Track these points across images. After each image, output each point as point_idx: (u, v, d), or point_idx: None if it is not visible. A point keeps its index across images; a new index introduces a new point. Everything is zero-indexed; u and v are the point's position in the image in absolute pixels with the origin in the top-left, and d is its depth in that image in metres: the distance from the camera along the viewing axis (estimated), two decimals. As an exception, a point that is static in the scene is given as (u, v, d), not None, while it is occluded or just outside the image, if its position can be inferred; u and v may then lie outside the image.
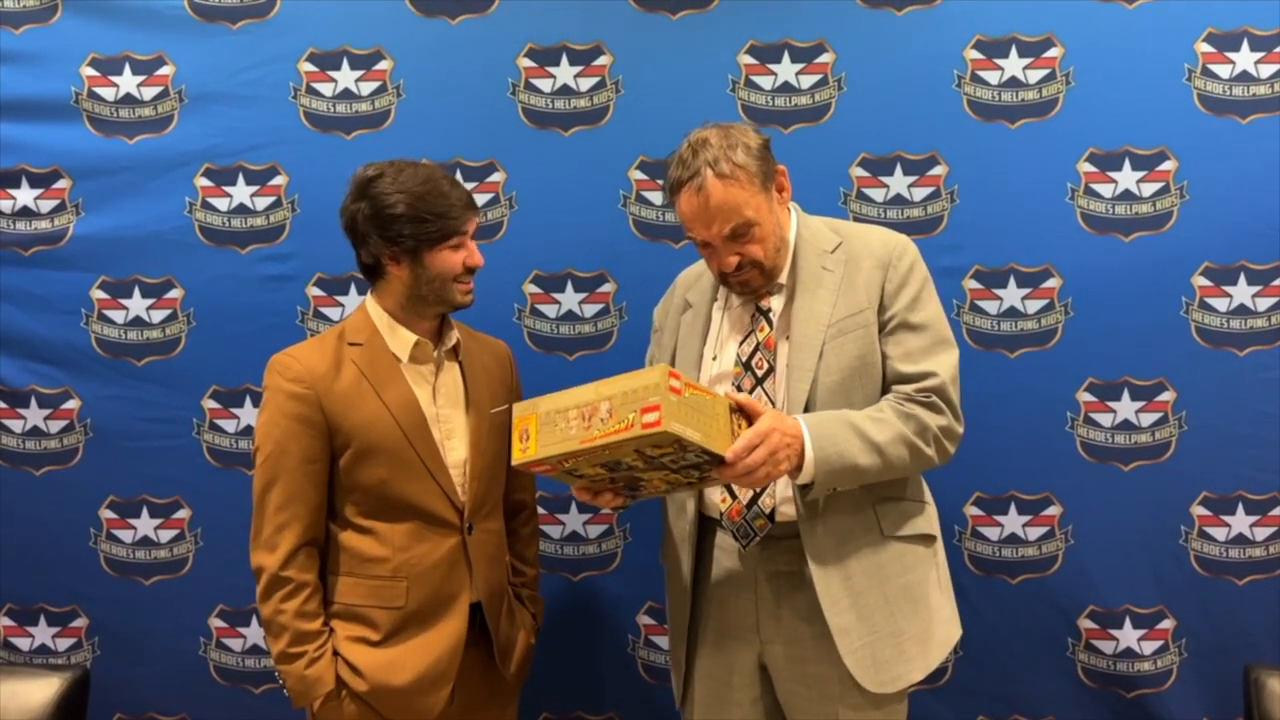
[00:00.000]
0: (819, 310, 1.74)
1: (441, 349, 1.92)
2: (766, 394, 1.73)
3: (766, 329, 1.77)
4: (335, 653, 1.81)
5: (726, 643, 1.81)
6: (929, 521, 1.82)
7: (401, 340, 1.87)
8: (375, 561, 1.82)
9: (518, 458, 1.54)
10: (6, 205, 2.49)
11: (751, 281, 1.77)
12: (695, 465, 1.53)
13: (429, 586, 1.83)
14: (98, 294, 2.49)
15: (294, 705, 1.80)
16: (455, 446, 1.90)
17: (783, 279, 1.80)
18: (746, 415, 1.57)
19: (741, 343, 1.79)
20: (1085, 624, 2.36)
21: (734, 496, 1.75)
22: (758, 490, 1.73)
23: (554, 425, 1.50)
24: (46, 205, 2.49)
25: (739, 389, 1.74)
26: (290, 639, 1.76)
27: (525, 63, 2.46)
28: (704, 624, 1.85)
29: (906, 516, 1.77)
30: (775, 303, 1.79)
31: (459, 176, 2.43)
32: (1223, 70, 2.33)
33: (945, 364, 1.72)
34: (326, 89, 2.47)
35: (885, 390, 1.75)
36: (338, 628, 1.82)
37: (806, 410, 1.68)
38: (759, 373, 1.75)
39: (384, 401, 1.82)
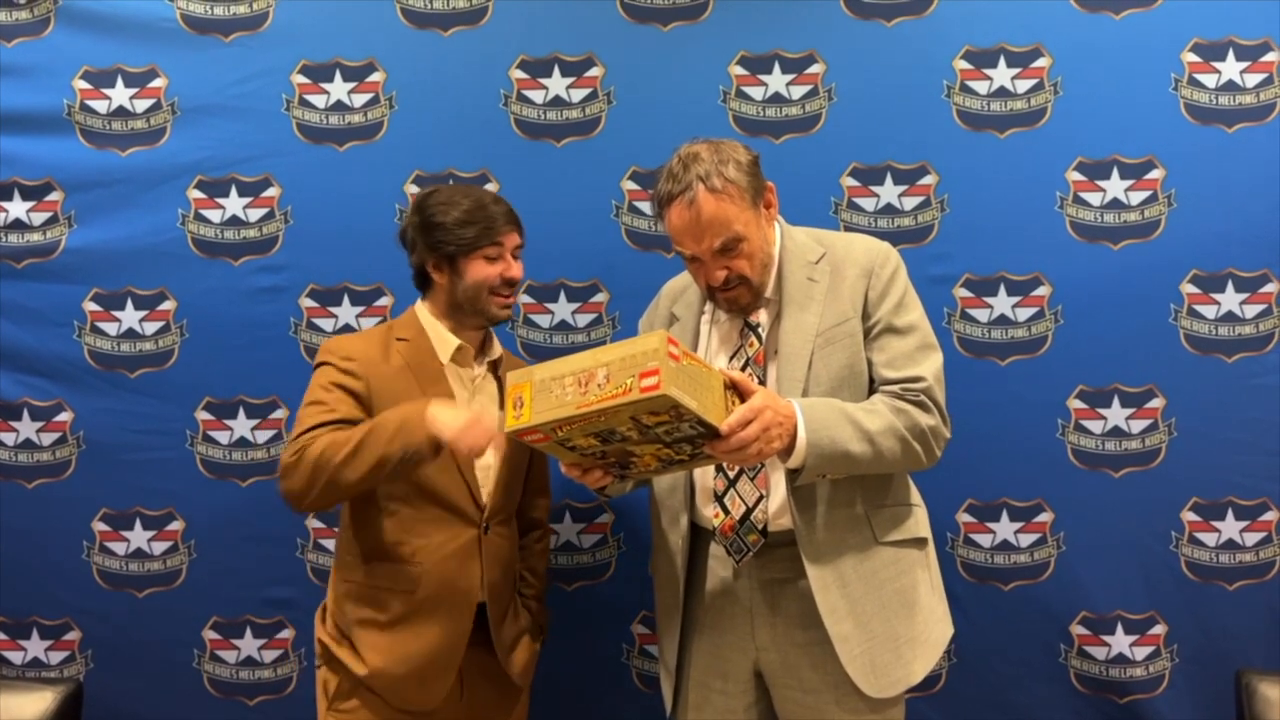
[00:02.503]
0: (806, 322, 1.75)
1: (484, 359, 2.00)
2: None
3: (756, 344, 1.78)
4: (346, 637, 1.87)
5: (721, 650, 1.82)
6: (919, 524, 1.84)
7: (445, 343, 1.96)
8: (395, 545, 1.88)
9: (510, 424, 1.52)
10: (-1, 218, 2.49)
11: (739, 298, 1.78)
12: (689, 439, 1.52)
13: (442, 577, 1.88)
14: (90, 306, 2.49)
15: (413, 438, 1.72)
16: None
17: (769, 293, 1.81)
18: (739, 393, 1.57)
19: (731, 358, 1.80)
20: (1077, 630, 2.37)
21: (726, 511, 1.76)
22: (750, 505, 1.74)
23: (549, 392, 1.48)
24: (39, 218, 2.49)
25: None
26: (336, 439, 1.76)
27: (517, 74, 2.47)
28: (697, 632, 1.85)
29: (898, 521, 1.79)
30: (764, 317, 1.81)
31: (452, 187, 2.45)
32: (1209, 80, 2.35)
33: (930, 367, 1.74)
34: (319, 101, 2.48)
35: (872, 394, 1.76)
36: (350, 608, 1.88)
37: None
38: None
39: (424, 393, 1.87)
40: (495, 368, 2.03)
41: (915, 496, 1.88)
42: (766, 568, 1.77)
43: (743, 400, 1.55)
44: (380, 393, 1.88)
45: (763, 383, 1.75)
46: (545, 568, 2.18)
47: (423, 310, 2.00)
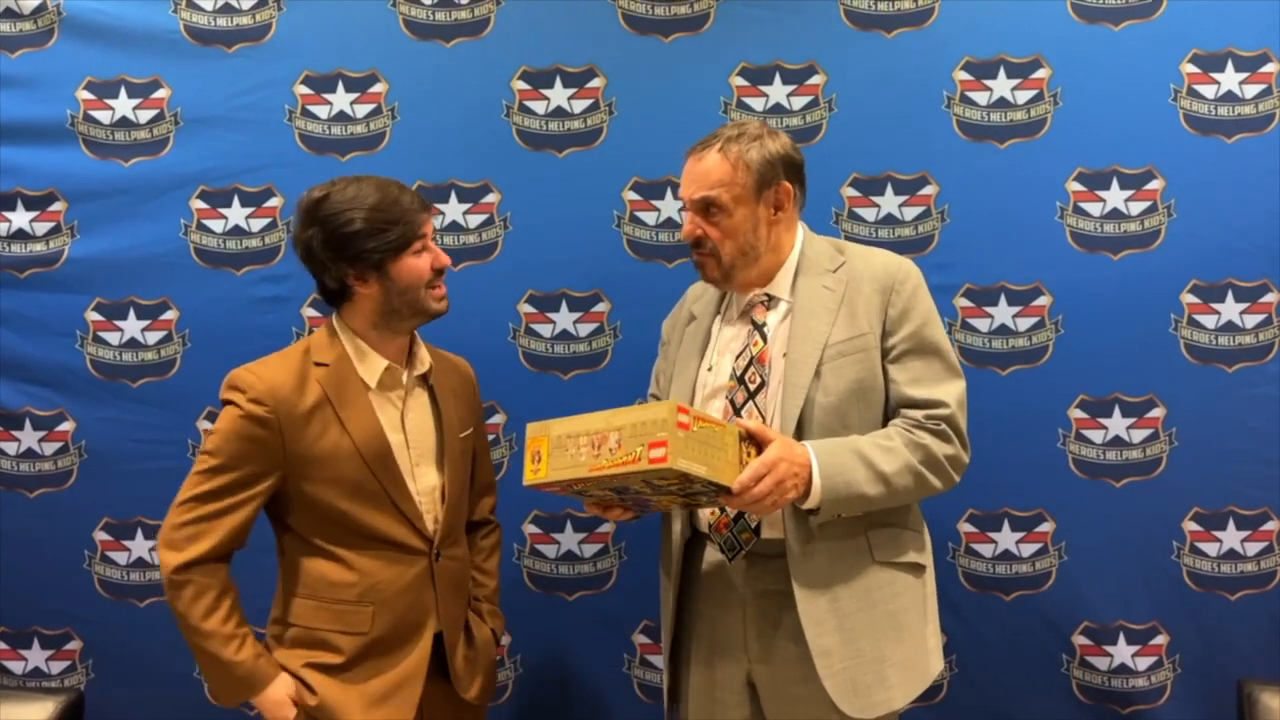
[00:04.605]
0: (817, 329, 1.75)
1: (411, 374, 1.87)
2: (758, 408, 1.74)
3: (760, 344, 1.78)
4: (295, 676, 1.76)
5: (716, 660, 1.82)
6: (920, 551, 1.81)
7: (371, 366, 1.81)
8: (341, 586, 1.76)
9: (529, 479, 1.57)
10: (2, 228, 2.49)
11: (706, 268, 1.82)
12: (703, 493, 1.56)
13: (394, 613, 1.77)
14: (93, 316, 2.49)
15: (222, 701, 1.74)
16: (426, 473, 1.85)
17: (786, 296, 1.81)
18: (756, 442, 1.58)
19: (737, 356, 1.80)
20: (1079, 640, 2.37)
21: (722, 510, 1.76)
22: None
23: (565, 450, 1.53)
24: (42, 228, 2.49)
25: (732, 402, 1.76)
26: (206, 639, 1.69)
27: (519, 85, 2.48)
28: (695, 640, 1.85)
29: (898, 543, 1.77)
30: (771, 318, 1.81)
31: (454, 197, 2.46)
32: (1208, 90, 2.36)
33: (953, 392, 1.73)
34: (322, 111, 2.49)
35: (888, 412, 1.76)
36: (294, 654, 1.76)
37: (800, 427, 1.69)
38: (751, 387, 1.75)
39: (347, 430, 1.76)
40: (425, 379, 1.89)
41: (918, 522, 1.85)
42: (762, 578, 1.76)
43: (759, 449, 1.57)
44: (295, 437, 1.73)
45: (765, 382, 1.75)
46: (496, 565, 2.07)
47: (342, 330, 1.81)
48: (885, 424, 1.76)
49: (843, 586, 1.70)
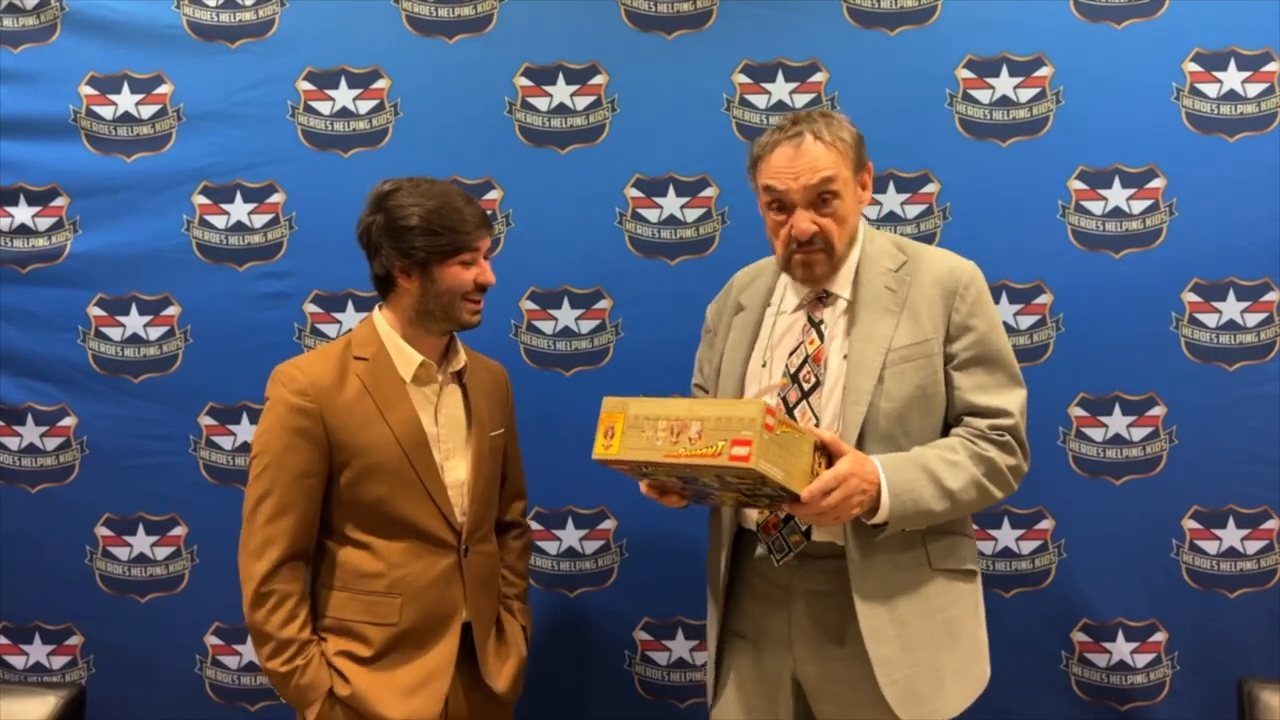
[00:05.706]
0: (879, 332, 1.70)
1: (446, 370, 1.91)
2: (811, 409, 1.70)
3: (817, 341, 1.73)
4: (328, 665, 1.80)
5: (762, 656, 1.78)
6: (972, 555, 1.80)
7: (407, 360, 1.85)
8: (370, 577, 1.80)
9: (599, 453, 1.57)
10: (4, 223, 2.49)
11: (815, 265, 1.73)
12: (769, 496, 1.54)
13: (423, 605, 1.81)
14: (95, 311, 2.50)
15: (297, 710, 1.80)
16: (455, 467, 1.88)
17: (845, 293, 1.76)
18: (828, 453, 1.56)
19: (791, 353, 1.76)
20: (1078, 637, 2.38)
21: (772, 511, 1.72)
22: None
23: (641, 430, 1.51)
24: (44, 223, 2.49)
25: (784, 401, 1.72)
26: (277, 648, 1.75)
27: (522, 81, 2.48)
28: (740, 635, 1.82)
29: (954, 550, 1.75)
30: (829, 315, 1.76)
31: (456, 194, 2.46)
32: (1210, 89, 2.36)
33: (1016, 401, 1.71)
34: (324, 107, 2.49)
35: (948, 417, 1.73)
36: (330, 640, 1.81)
37: (862, 434, 1.65)
38: (805, 386, 1.71)
39: (387, 421, 1.81)
40: (459, 376, 1.94)
41: (971, 528, 1.83)
42: (811, 578, 1.72)
43: (830, 461, 1.55)
44: (338, 427, 1.79)
45: (820, 382, 1.71)
46: (526, 566, 2.13)
47: (381, 322, 1.89)
48: (945, 429, 1.74)
49: (902, 594, 1.67)
